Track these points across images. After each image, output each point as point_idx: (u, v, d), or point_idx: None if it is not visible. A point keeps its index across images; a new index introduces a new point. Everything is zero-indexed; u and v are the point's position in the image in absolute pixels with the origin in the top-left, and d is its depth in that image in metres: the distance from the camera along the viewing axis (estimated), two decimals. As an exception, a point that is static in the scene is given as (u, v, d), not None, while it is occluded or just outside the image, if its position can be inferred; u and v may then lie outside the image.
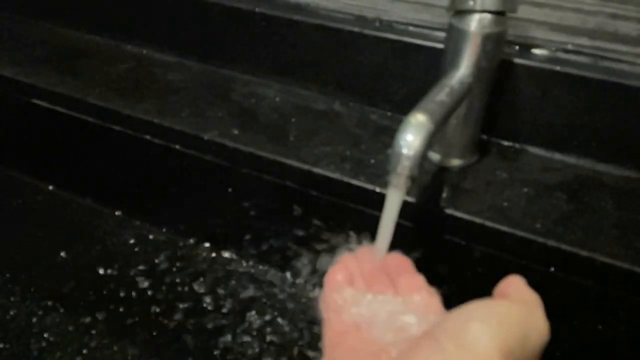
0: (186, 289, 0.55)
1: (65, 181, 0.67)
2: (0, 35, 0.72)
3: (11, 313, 0.53)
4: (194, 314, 0.53)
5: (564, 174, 0.48)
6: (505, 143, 0.52)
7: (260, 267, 0.57)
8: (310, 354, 0.49)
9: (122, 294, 0.55)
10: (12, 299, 0.54)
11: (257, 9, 0.58)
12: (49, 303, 0.54)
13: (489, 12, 0.41)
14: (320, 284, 0.54)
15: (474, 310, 0.25)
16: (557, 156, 0.50)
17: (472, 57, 0.43)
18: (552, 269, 0.42)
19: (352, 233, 0.50)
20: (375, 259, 0.36)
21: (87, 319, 0.52)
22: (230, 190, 0.55)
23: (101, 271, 0.57)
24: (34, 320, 0.52)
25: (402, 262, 0.36)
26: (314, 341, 0.50)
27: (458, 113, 0.45)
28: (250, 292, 0.55)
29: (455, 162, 0.49)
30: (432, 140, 0.36)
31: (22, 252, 0.59)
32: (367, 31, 0.53)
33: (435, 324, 0.26)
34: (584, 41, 0.48)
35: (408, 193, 0.36)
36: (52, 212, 0.65)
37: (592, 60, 0.48)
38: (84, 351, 0.49)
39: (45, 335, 0.51)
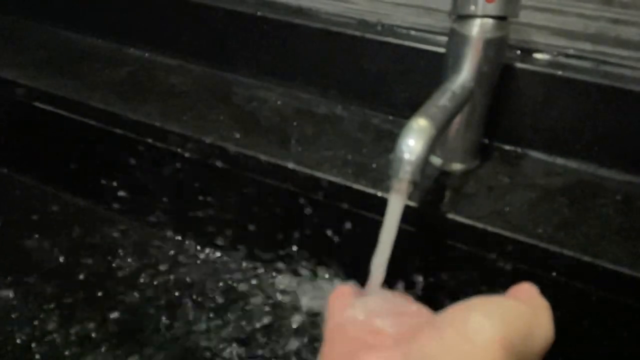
0: (189, 294, 0.55)
1: (67, 184, 0.67)
2: (2, 38, 0.72)
3: (12, 316, 0.53)
4: (196, 323, 0.53)
5: (566, 179, 0.48)
6: (507, 147, 0.52)
7: (262, 270, 0.57)
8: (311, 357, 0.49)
9: (123, 299, 0.55)
10: (14, 302, 0.54)
11: (258, 13, 0.58)
12: (52, 306, 0.54)
13: (491, 17, 0.41)
14: (323, 288, 0.54)
15: (478, 303, 0.26)
16: (559, 161, 0.50)
17: (473, 62, 0.43)
18: (554, 274, 0.42)
19: (354, 237, 0.50)
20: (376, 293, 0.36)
21: (91, 325, 0.52)
22: (231, 193, 0.55)
23: (106, 276, 0.57)
24: (36, 323, 0.52)
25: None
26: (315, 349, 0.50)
27: (460, 117, 0.45)
28: (246, 293, 0.55)
29: (457, 167, 0.49)
30: (434, 144, 0.36)
31: (24, 256, 0.59)
32: (368, 35, 0.53)
33: (437, 314, 0.26)
34: (586, 46, 0.48)
35: (410, 197, 0.36)
36: (52, 214, 0.65)
37: (593, 64, 0.48)
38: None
39: (47, 339, 0.51)
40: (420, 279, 0.48)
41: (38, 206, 0.66)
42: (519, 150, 0.51)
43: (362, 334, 0.30)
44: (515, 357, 0.24)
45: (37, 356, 0.49)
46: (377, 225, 0.35)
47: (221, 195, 0.56)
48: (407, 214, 0.36)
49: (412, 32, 0.53)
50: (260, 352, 0.50)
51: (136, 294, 0.55)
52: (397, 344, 0.27)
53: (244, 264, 0.58)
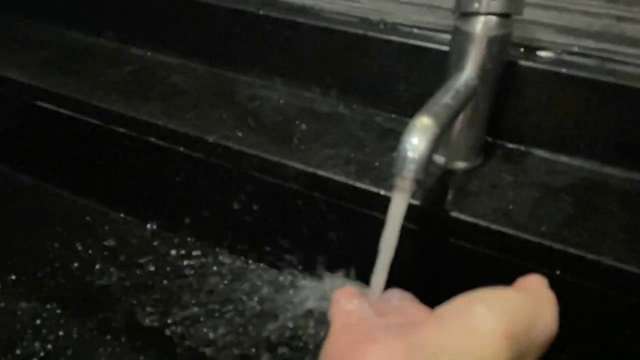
0: (191, 294, 0.55)
1: (69, 183, 0.67)
2: (5, 37, 0.72)
3: (14, 316, 0.53)
4: (195, 321, 0.53)
5: (570, 177, 0.48)
6: (511, 145, 0.51)
7: (264, 269, 0.57)
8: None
9: (127, 298, 0.55)
10: (17, 301, 0.54)
11: (261, 12, 0.58)
12: (54, 305, 0.54)
13: (494, 14, 0.41)
14: (327, 288, 0.54)
15: (482, 295, 0.26)
16: (563, 159, 0.50)
17: (477, 60, 0.43)
18: (558, 272, 0.42)
19: (357, 236, 0.50)
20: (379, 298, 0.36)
21: (91, 324, 0.52)
22: (234, 192, 0.55)
23: (108, 275, 0.57)
24: (38, 322, 0.52)
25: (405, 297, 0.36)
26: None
27: (463, 115, 0.45)
28: (247, 292, 0.55)
29: (461, 165, 0.48)
30: (437, 143, 0.36)
31: (27, 256, 0.59)
32: (371, 33, 0.53)
33: (441, 305, 0.26)
34: (590, 43, 0.48)
35: (413, 196, 0.36)
36: (54, 214, 0.65)
37: (598, 62, 0.48)
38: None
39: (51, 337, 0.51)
40: (423, 277, 0.48)
41: (40, 205, 0.66)
42: (522, 148, 0.51)
43: (366, 330, 0.30)
44: (518, 348, 0.24)
45: (42, 354, 0.49)
46: (380, 224, 0.35)
47: (223, 194, 0.56)
48: (411, 213, 0.36)
49: (415, 30, 0.53)
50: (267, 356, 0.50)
51: (139, 294, 0.55)
52: (401, 335, 0.27)
53: (246, 263, 0.58)
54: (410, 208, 0.36)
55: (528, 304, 0.26)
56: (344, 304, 0.33)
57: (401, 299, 0.36)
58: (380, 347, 0.27)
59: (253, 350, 0.50)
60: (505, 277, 0.35)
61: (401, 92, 0.54)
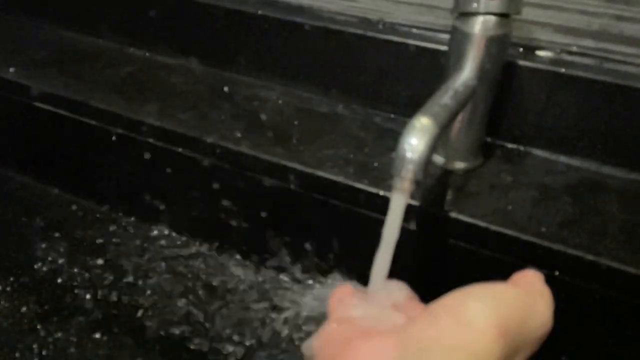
0: (192, 296, 0.55)
1: (67, 184, 0.67)
2: (3, 38, 0.72)
3: (14, 318, 0.53)
4: (194, 328, 0.53)
5: (569, 177, 0.48)
6: (510, 146, 0.51)
7: (263, 270, 0.57)
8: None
9: (124, 299, 0.55)
10: (15, 302, 0.54)
11: (260, 12, 0.58)
12: (53, 307, 0.54)
13: (493, 14, 0.41)
14: (325, 288, 0.54)
15: (474, 290, 0.26)
16: (562, 159, 0.50)
17: (476, 60, 0.42)
18: (557, 272, 0.42)
19: (356, 236, 0.50)
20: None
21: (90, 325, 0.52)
22: (233, 193, 0.55)
23: (108, 276, 0.57)
24: (39, 326, 0.52)
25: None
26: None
27: (462, 116, 0.45)
28: (246, 293, 0.55)
29: (460, 165, 0.48)
30: (436, 143, 0.36)
31: (26, 257, 0.59)
32: (370, 33, 0.53)
33: (435, 301, 0.26)
34: (589, 43, 0.48)
35: (412, 196, 0.36)
36: (53, 215, 0.65)
37: (597, 62, 0.47)
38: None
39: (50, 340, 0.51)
40: (422, 277, 0.48)
41: (38, 206, 0.66)
42: (521, 148, 0.51)
43: (358, 327, 0.30)
44: (512, 342, 0.24)
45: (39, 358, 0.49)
46: (379, 224, 0.35)
47: (222, 195, 0.55)
48: (410, 213, 0.36)
49: (414, 30, 0.53)
50: (266, 354, 0.50)
51: (137, 294, 0.55)
52: (393, 331, 0.27)
53: (246, 264, 0.58)
54: (410, 208, 0.35)
55: (522, 298, 0.26)
56: (339, 302, 0.33)
57: (399, 296, 0.36)
58: (372, 343, 0.26)
59: (249, 350, 0.50)
60: (504, 277, 0.35)
61: (400, 92, 0.54)
